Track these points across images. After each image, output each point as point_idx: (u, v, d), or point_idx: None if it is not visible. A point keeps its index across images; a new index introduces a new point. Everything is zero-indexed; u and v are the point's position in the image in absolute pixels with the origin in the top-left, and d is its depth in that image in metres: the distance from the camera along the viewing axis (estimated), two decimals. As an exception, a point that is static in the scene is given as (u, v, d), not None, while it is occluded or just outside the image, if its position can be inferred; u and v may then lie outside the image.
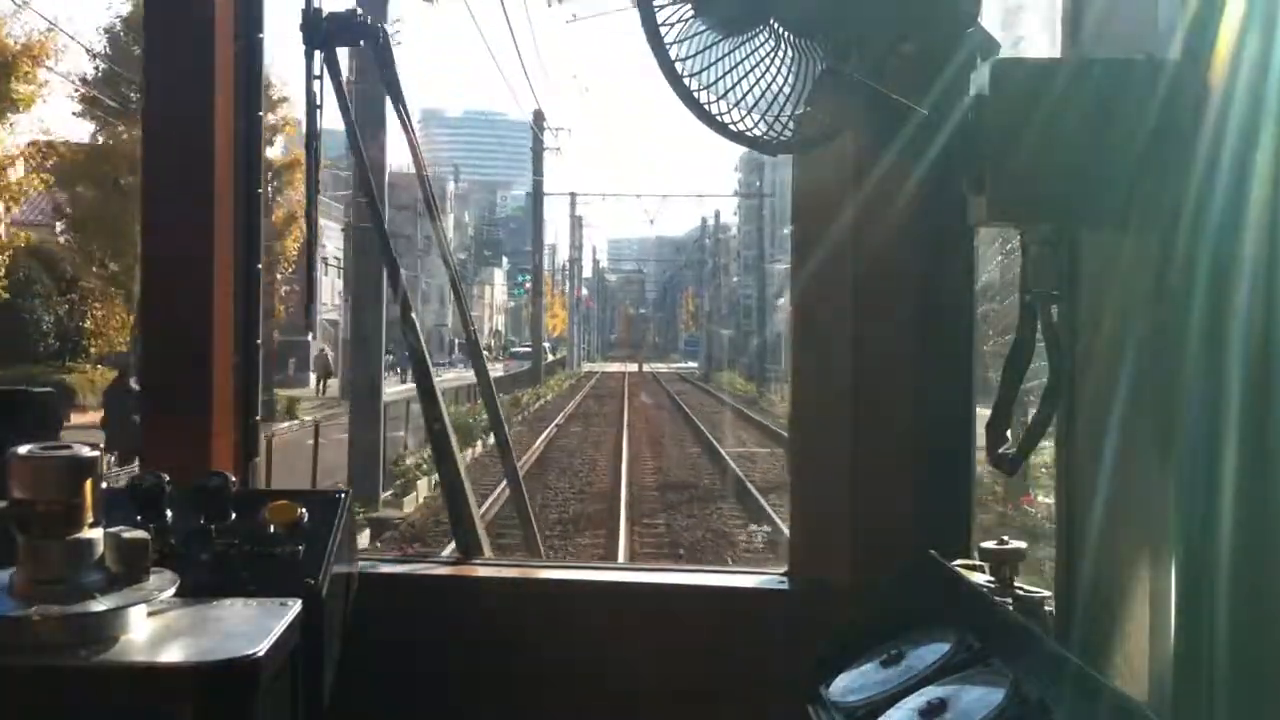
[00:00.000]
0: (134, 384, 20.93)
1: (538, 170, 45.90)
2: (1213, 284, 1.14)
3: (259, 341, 2.49)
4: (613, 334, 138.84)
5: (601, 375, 65.76)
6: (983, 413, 1.62)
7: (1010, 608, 1.59)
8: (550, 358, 67.13)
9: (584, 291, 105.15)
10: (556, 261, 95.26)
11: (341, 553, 1.91)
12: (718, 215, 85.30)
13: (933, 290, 2.14)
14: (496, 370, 40.68)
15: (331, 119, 2.66)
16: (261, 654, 1.54)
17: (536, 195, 47.23)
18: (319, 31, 2.51)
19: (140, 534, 1.59)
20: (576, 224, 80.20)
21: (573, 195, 75.74)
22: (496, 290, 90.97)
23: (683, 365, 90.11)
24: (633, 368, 73.97)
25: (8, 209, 24.30)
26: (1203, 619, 1.13)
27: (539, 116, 43.14)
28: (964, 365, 2.15)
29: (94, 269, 25.62)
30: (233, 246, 2.41)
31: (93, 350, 26.75)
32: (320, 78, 2.56)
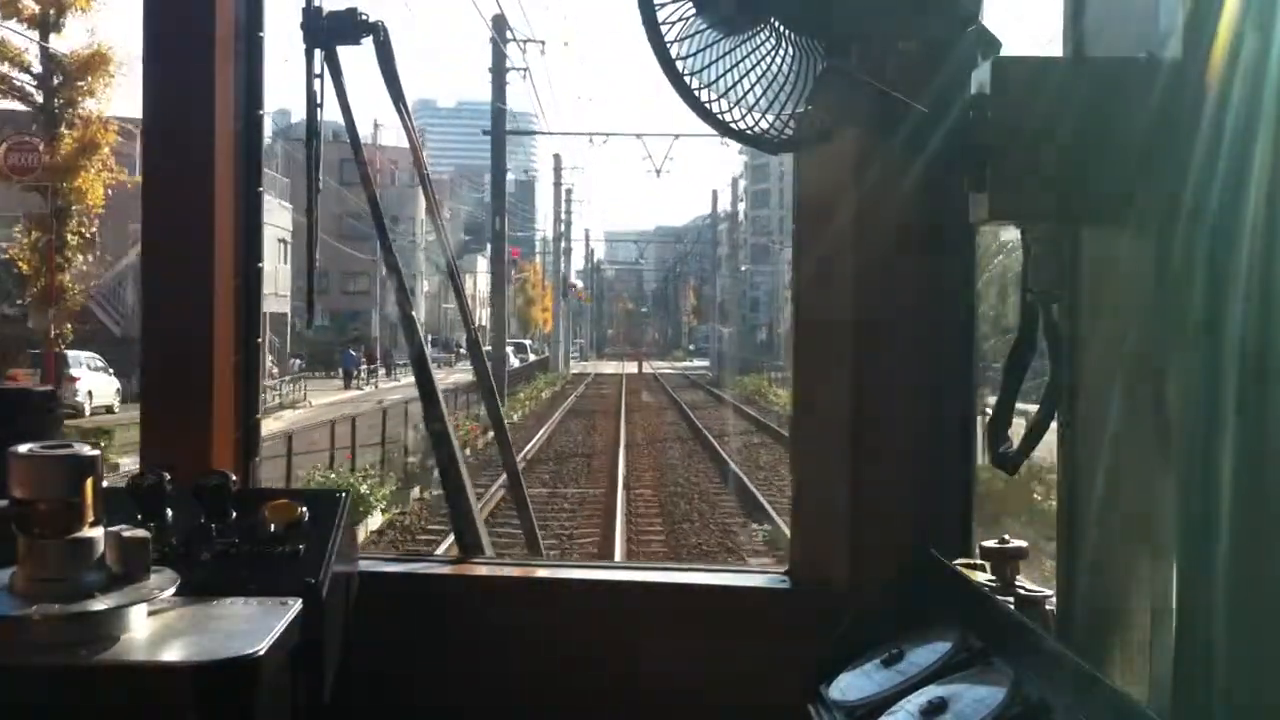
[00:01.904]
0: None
1: (498, 96, 31.90)
2: (1212, 282, 1.14)
3: (259, 341, 2.49)
4: (609, 329, 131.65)
5: (594, 379, 52.67)
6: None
7: (1011, 607, 1.59)
8: (531, 357, 57.08)
9: (577, 283, 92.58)
10: (548, 251, 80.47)
11: (342, 552, 1.91)
12: (735, 184, 75.45)
13: (933, 289, 2.13)
14: (462, 375, 29.74)
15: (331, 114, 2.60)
16: (262, 653, 1.54)
17: (496, 130, 31.53)
18: (319, 29, 2.51)
19: (141, 533, 1.59)
20: (565, 196, 64.39)
21: (557, 158, 60.44)
22: (479, 280, 75.53)
23: (689, 365, 77.78)
24: (631, 368, 62.63)
25: None
26: (1202, 619, 1.13)
27: (500, 23, 31.08)
28: (964, 364, 2.15)
29: None
30: (233, 246, 2.41)
31: None
32: (320, 76, 2.56)
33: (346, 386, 39.21)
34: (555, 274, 67.55)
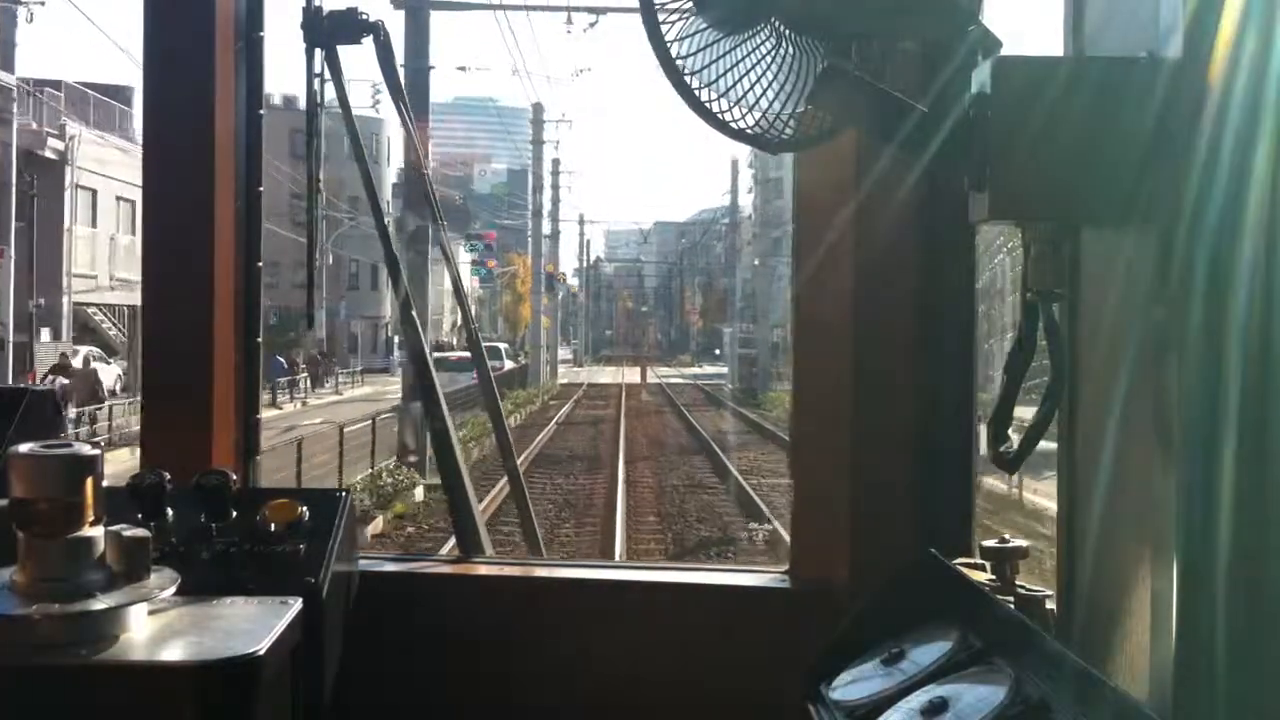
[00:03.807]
0: None
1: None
2: (1213, 283, 1.14)
3: (259, 341, 2.49)
4: (608, 330, 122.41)
5: (585, 394, 40.22)
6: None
7: (1011, 607, 1.59)
8: (508, 364, 42.54)
9: (569, 278, 79.14)
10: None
11: (342, 551, 1.91)
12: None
13: (933, 289, 2.14)
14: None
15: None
16: (262, 653, 1.54)
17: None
18: (320, 29, 2.51)
19: (141, 532, 1.59)
20: (553, 166, 51.36)
21: (537, 107, 44.84)
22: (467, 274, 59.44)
23: (700, 373, 64.84)
24: (632, 376, 50.50)
25: None
26: (1203, 619, 1.13)
27: None
28: (964, 364, 2.15)
29: None
30: (233, 246, 2.41)
31: None
32: (321, 75, 2.56)
33: (271, 403, 30.20)
34: (534, 257, 49.12)
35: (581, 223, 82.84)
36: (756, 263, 55.27)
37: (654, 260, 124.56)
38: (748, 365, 43.96)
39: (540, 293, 47.46)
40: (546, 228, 53.00)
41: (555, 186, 53.82)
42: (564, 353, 76.99)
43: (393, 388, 29.06)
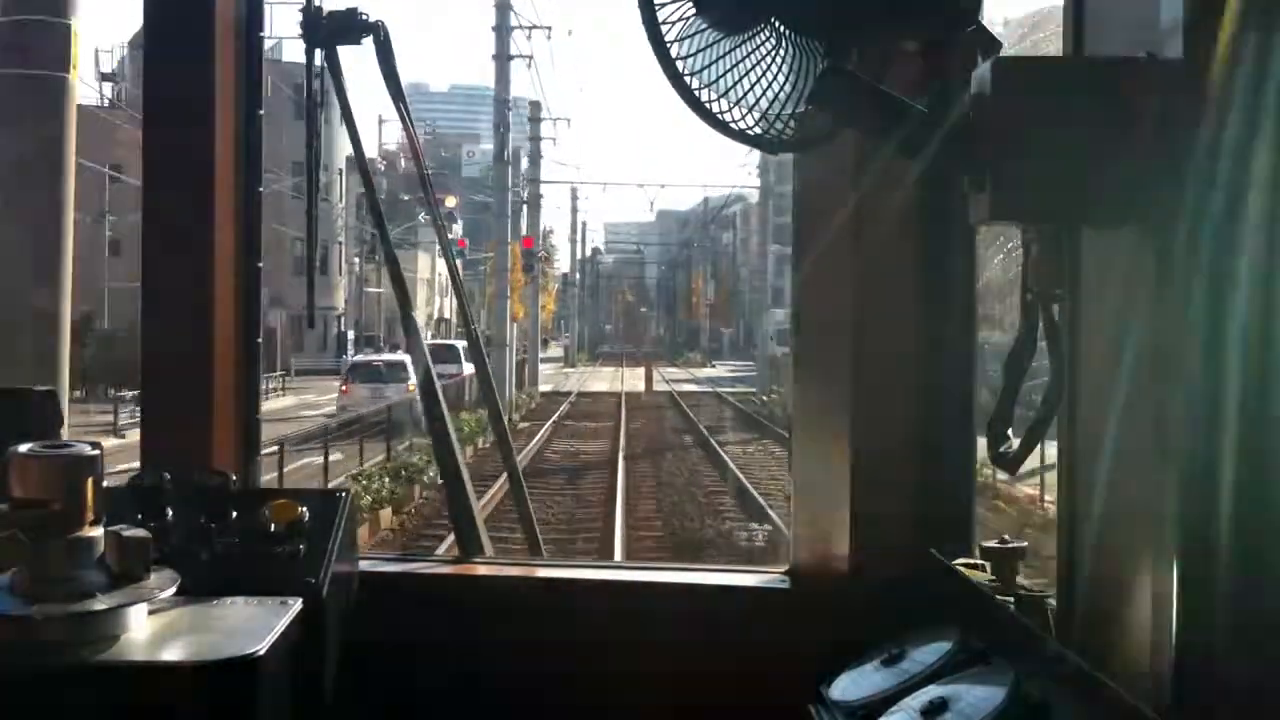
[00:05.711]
0: None
1: None
2: (1213, 283, 1.14)
3: (259, 340, 2.49)
4: (607, 324, 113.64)
5: (569, 414, 29.29)
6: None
7: (1011, 607, 1.59)
8: (467, 368, 22.08)
9: (553, 259, 64.85)
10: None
11: (342, 552, 1.91)
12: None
13: (934, 289, 2.14)
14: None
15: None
16: (262, 653, 1.54)
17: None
18: (319, 29, 2.51)
19: (141, 533, 1.59)
20: (533, 108, 37.88)
21: (502, 11, 29.80)
22: (432, 262, 49.51)
23: (715, 375, 53.08)
24: (634, 381, 41.09)
25: None
26: (1203, 619, 1.13)
27: None
28: (965, 364, 2.16)
29: None
30: (233, 246, 2.41)
31: None
32: (321, 75, 2.56)
33: (112, 429, 20.01)
34: (499, 218, 32.79)
35: (575, 195, 67.25)
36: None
37: (657, 243, 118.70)
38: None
39: (507, 270, 32.42)
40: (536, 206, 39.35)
41: (536, 138, 39.07)
42: (555, 349, 68.45)
43: (328, 399, 21.95)
